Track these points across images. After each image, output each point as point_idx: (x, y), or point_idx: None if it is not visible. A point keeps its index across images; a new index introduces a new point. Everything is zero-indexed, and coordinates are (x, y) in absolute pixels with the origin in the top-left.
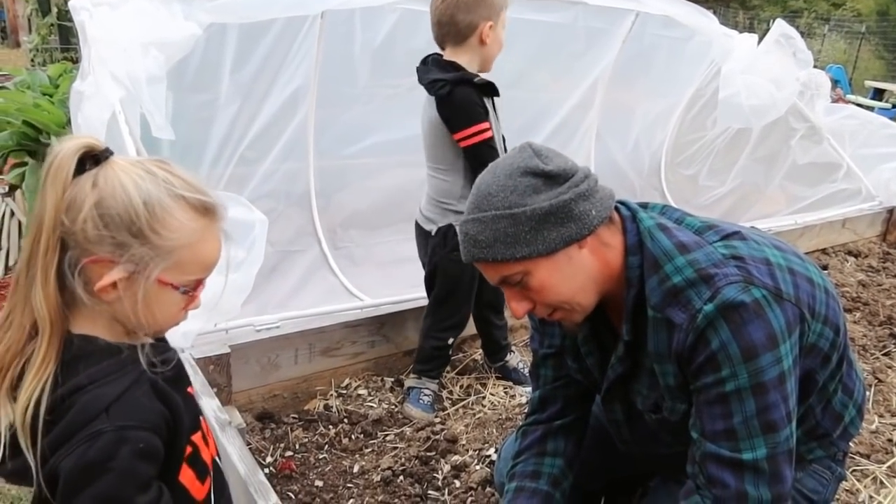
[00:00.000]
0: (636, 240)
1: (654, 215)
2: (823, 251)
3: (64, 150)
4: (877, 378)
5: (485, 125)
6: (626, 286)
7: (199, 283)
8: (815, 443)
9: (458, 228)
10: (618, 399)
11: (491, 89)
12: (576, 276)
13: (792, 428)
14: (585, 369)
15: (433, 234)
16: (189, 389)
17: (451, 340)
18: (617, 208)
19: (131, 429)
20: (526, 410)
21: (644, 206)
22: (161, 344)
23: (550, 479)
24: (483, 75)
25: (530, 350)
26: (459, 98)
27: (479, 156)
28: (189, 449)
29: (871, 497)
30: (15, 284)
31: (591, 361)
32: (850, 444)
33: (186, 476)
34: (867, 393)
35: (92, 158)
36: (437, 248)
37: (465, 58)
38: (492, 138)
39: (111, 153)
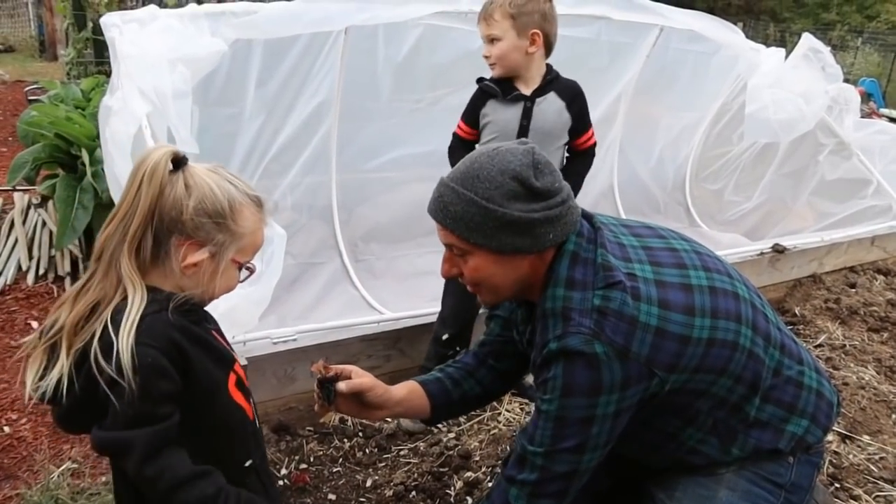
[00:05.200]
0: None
1: (583, 240)
2: (851, 269)
3: (157, 155)
4: None
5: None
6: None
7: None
8: (770, 461)
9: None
10: None
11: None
12: (508, 275)
13: (579, 461)
14: (524, 343)
15: None
16: (213, 332)
17: (444, 336)
18: None
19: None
20: None
21: (590, 217)
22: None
23: (462, 394)
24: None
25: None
26: None
27: None
28: (234, 376)
29: None
30: (100, 261)
31: (523, 341)
32: (827, 439)
33: (237, 395)
34: (836, 401)
35: (174, 163)
36: None
37: None
38: (455, 134)
39: (187, 159)
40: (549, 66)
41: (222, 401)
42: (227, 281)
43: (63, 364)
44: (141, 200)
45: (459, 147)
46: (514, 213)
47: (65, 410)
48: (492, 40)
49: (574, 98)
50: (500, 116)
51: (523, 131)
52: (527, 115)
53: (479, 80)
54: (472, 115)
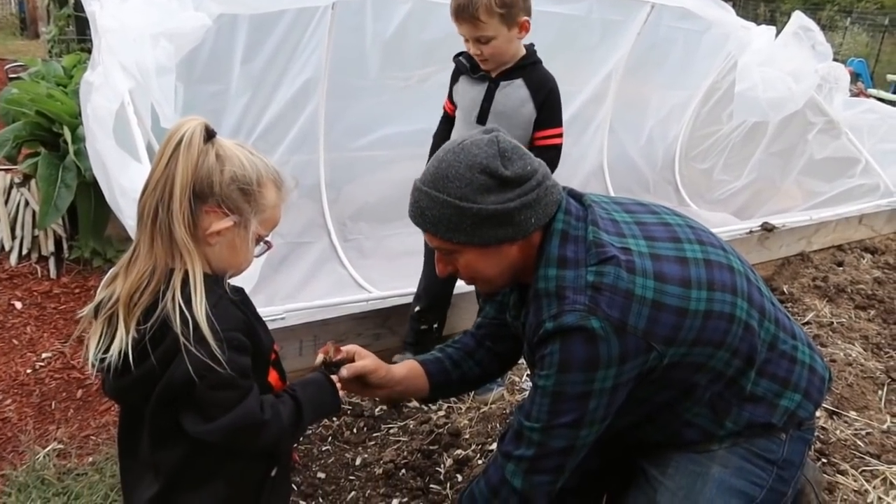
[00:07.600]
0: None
1: (571, 218)
2: (839, 247)
3: (191, 125)
4: (890, 377)
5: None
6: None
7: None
8: (761, 435)
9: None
10: None
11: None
12: (499, 265)
13: (577, 436)
14: (518, 326)
15: None
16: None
17: (416, 309)
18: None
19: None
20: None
21: (579, 196)
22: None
23: (461, 374)
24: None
25: None
26: None
27: None
28: (274, 355)
29: (879, 498)
30: (144, 228)
31: (516, 324)
32: (817, 415)
33: (272, 377)
34: (828, 377)
35: (206, 134)
36: None
37: None
38: (445, 111)
39: (216, 132)
40: (532, 51)
41: (264, 378)
42: (245, 254)
43: (122, 337)
44: (179, 168)
45: (444, 125)
46: (489, 206)
47: (130, 382)
48: (483, 40)
49: (540, 90)
50: (467, 95)
51: (483, 113)
52: (488, 98)
53: (457, 56)
54: (451, 91)
